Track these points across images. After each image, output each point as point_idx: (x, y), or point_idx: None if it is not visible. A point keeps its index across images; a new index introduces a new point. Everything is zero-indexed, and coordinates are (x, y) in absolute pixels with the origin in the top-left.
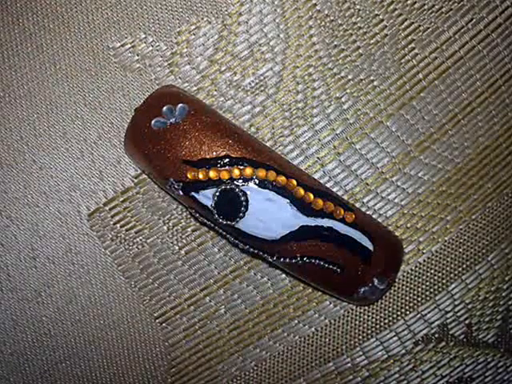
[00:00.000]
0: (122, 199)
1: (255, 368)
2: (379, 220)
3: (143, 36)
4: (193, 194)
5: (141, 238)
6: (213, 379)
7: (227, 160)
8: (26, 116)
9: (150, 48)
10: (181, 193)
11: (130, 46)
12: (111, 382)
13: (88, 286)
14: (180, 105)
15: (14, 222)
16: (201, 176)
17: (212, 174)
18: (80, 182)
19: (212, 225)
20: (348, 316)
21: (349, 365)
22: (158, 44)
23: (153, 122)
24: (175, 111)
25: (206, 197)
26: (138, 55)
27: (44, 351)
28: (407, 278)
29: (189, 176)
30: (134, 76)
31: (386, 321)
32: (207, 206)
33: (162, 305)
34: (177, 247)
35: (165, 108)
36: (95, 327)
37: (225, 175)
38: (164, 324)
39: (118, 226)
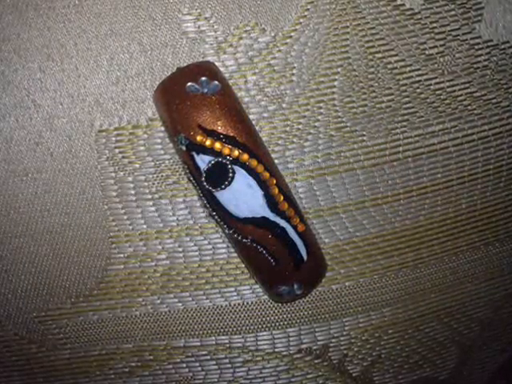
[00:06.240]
0: (130, 131)
1: (167, 312)
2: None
3: (208, 15)
4: (193, 153)
5: (130, 168)
6: (128, 307)
7: (233, 141)
8: (95, 30)
9: (209, 27)
10: (184, 148)
11: (194, 17)
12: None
13: (69, 186)
14: (215, 82)
15: (35, 106)
16: (208, 143)
17: (217, 145)
18: (105, 102)
19: (195, 184)
20: (259, 304)
21: (239, 344)
22: (217, 27)
23: (188, 83)
24: (210, 84)
25: (203, 161)
26: (198, 27)
27: None
28: (317, 295)
29: (198, 139)
30: (188, 42)
31: (285, 322)
32: (200, 168)
33: (119, 229)
34: (154, 189)
35: (203, 78)
36: (57, 217)
37: (226, 151)
38: (114, 245)
39: (117, 151)
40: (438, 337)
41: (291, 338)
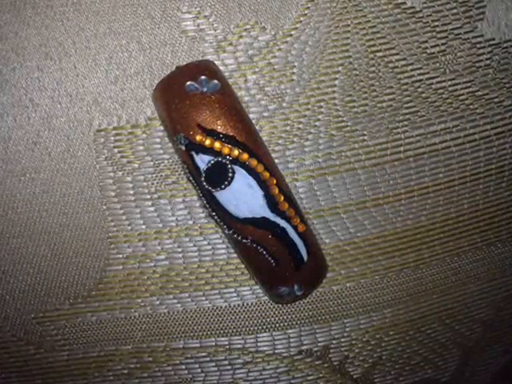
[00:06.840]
0: (129, 131)
1: (166, 313)
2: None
3: (208, 13)
4: (192, 153)
5: (129, 168)
6: (127, 308)
7: (232, 140)
8: (93, 28)
9: (209, 25)
10: (183, 148)
11: (193, 15)
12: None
13: (67, 186)
14: (215, 81)
15: (33, 106)
16: (207, 142)
17: (217, 144)
18: (103, 101)
19: (195, 184)
20: (259, 305)
21: (239, 346)
22: (216, 25)
23: (188, 83)
24: (209, 83)
25: (202, 160)
26: (197, 26)
27: None
28: (318, 296)
29: (197, 138)
30: (187, 41)
31: (286, 323)
32: (199, 168)
33: (118, 230)
34: (153, 189)
35: (202, 77)
36: (55, 217)
37: (226, 151)
38: (112, 245)
39: (116, 150)
40: (440, 338)
41: (291, 340)
